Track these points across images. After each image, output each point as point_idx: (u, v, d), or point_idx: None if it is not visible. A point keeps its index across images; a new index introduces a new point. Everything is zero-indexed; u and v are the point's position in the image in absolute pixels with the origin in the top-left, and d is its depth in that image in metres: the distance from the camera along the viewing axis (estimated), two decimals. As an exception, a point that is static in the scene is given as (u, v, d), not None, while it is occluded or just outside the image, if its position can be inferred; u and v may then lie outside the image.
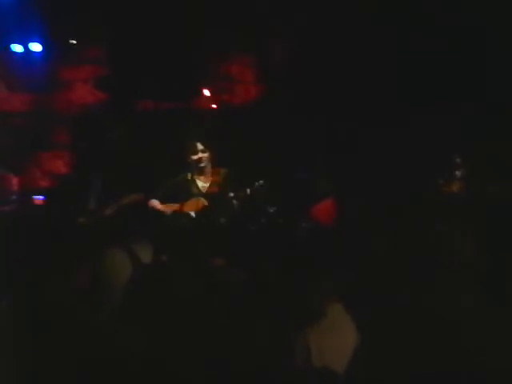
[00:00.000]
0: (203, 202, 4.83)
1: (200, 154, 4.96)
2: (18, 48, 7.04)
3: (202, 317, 2.03)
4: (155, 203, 4.88)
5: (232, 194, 4.62)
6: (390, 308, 2.04)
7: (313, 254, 2.29)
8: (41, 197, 6.44)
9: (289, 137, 6.30)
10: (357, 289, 2.19)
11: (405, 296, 2.09)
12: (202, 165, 4.97)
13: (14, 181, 6.61)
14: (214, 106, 7.21)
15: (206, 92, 7.20)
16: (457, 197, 4.36)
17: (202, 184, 5.01)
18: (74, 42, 7.10)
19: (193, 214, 4.70)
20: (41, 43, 7.04)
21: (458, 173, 4.49)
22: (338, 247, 2.53)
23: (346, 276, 2.22)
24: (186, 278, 2.22)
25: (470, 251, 2.38)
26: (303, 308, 1.98)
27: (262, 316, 1.99)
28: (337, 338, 1.98)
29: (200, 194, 4.93)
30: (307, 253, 2.34)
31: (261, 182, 4.58)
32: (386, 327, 1.98)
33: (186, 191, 4.91)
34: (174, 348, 1.96)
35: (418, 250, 2.51)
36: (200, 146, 4.97)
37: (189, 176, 4.99)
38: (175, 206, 4.82)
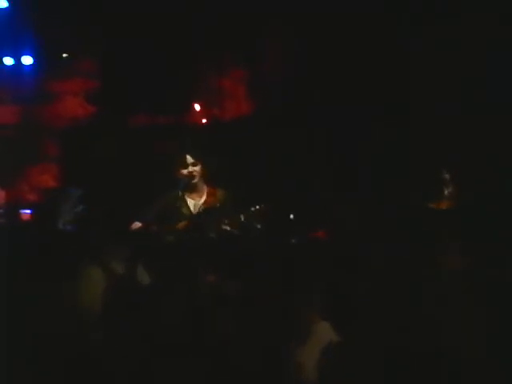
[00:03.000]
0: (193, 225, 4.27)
1: (190, 168, 4.38)
2: (8, 61, 7.04)
3: (188, 332, 2.00)
4: (138, 225, 4.33)
5: (226, 222, 4.12)
6: (379, 325, 2.02)
7: (303, 273, 2.26)
8: (28, 210, 6.37)
9: (285, 153, 6.25)
10: (346, 307, 2.16)
11: (396, 313, 2.07)
12: (194, 180, 4.39)
13: (1, 194, 6.55)
14: (204, 120, 7.20)
15: (197, 106, 7.20)
16: (446, 214, 4.31)
17: (193, 203, 4.42)
18: (65, 55, 7.10)
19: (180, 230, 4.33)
20: (32, 56, 7.04)
21: (446, 189, 4.43)
22: (329, 265, 2.50)
23: (337, 294, 2.19)
24: (170, 296, 2.18)
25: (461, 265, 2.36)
26: (293, 326, 1.96)
27: (254, 335, 1.97)
28: (326, 356, 1.95)
29: (191, 215, 4.37)
30: (297, 271, 2.31)
31: (257, 207, 4.10)
32: (374, 344, 1.95)
33: (176, 212, 4.35)
34: (159, 360, 1.93)
35: (412, 267, 2.47)
36: (190, 159, 4.39)
37: (179, 194, 4.38)
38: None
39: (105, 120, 7.08)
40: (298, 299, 2.05)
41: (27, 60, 7.07)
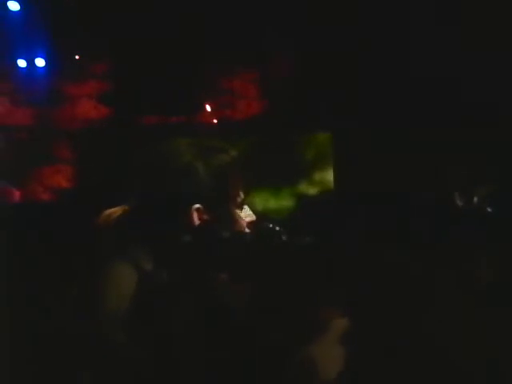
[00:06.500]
0: None
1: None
2: (21, 63, 7.09)
3: (206, 330, 2.01)
4: None
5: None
6: (394, 322, 2.02)
7: (318, 267, 2.26)
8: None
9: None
10: (361, 302, 2.16)
11: (410, 312, 2.07)
12: None
13: (16, 194, 6.63)
14: (215, 121, 7.24)
15: (208, 107, 7.24)
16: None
17: None
18: (78, 57, 7.14)
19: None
20: (45, 58, 7.08)
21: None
22: (345, 260, 2.50)
23: (352, 290, 2.19)
24: (188, 293, 2.20)
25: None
26: (308, 322, 1.96)
27: (266, 330, 1.97)
28: (341, 353, 1.95)
29: None
30: (312, 266, 2.31)
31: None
32: (389, 341, 1.95)
33: None
34: (180, 361, 1.94)
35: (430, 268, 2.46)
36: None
37: None
38: None
39: (118, 121, 7.12)
40: (316, 295, 2.05)
41: (40, 62, 7.10)
